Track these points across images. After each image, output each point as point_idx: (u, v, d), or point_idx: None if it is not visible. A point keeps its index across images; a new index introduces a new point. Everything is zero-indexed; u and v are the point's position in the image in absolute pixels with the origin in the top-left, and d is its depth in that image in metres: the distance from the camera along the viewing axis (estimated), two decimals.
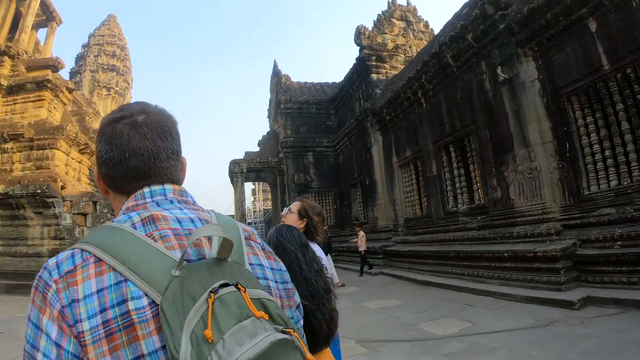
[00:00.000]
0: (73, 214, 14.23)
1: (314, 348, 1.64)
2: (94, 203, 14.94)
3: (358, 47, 16.01)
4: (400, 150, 13.92)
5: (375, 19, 17.33)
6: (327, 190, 19.85)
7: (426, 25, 18.14)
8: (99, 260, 0.70)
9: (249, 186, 44.51)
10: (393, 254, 13.33)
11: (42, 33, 23.35)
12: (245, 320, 0.63)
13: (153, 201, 0.85)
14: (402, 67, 15.49)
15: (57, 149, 15.04)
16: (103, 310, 0.65)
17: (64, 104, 18.58)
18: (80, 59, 41.78)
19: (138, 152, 0.85)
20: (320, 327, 1.68)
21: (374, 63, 15.89)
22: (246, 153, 22.41)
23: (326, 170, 19.90)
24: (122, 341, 0.64)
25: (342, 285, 11.50)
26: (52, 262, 0.72)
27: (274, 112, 23.37)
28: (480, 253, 8.83)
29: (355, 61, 16.85)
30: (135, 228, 0.76)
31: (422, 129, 12.45)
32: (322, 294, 1.76)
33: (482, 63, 9.55)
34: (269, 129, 25.23)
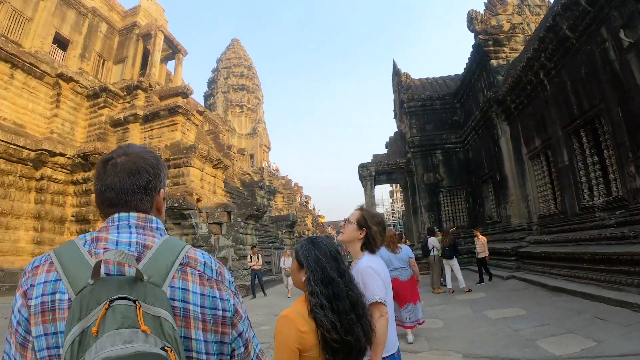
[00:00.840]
0: (209, 223, 15.98)
1: None
2: (228, 213, 16.64)
3: (473, 34, 15.54)
4: (529, 140, 13.16)
5: (486, 1, 16.62)
6: (458, 189, 19.40)
7: None
8: (52, 262, 1.02)
9: (386, 188, 44.79)
10: (526, 255, 12.61)
11: (171, 65, 26.55)
12: (126, 329, 0.84)
13: (115, 225, 1.12)
14: (522, 47, 14.62)
15: (191, 166, 17.09)
16: (43, 295, 0.98)
17: (196, 125, 20.72)
18: (211, 82, 46.61)
19: (110, 187, 1.15)
20: (354, 342, 1.78)
21: (491, 48, 15.23)
22: (374, 156, 22.82)
23: (456, 168, 19.48)
24: (48, 318, 0.97)
25: (468, 291, 11.31)
26: (33, 260, 1.09)
27: (399, 112, 23.57)
28: (617, 255, 7.88)
29: (472, 49, 16.36)
30: (84, 244, 1.06)
31: (549, 114, 11.66)
32: (348, 308, 1.83)
33: (601, 29, 8.71)
34: (396, 130, 25.47)
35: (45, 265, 1.03)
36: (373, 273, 2.51)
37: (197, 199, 16.05)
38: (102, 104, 19.67)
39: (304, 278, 1.91)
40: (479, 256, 12.69)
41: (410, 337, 6.98)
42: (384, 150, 24.17)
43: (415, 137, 19.78)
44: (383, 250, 7.20)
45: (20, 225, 15.53)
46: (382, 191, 48.08)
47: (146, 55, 23.23)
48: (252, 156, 42.12)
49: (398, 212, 48.71)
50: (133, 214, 1.14)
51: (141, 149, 1.25)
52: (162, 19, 25.79)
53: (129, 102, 20.23)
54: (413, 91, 20.48)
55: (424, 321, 7.50)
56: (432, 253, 12.37)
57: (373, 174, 21.39)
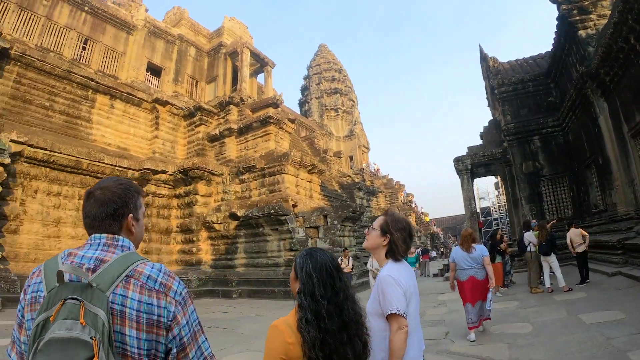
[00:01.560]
0: (306, 227, 17.05)
1: None
2: (325, 216, 17.58)
3: (555, 5, 14.95)
4: (629, 116, 12.36)
5: None
6: (560, 177, 18.57)
7: None
8: (41, 270, 1.49)
9: (491, 180, 43.18)
10: (633, 248, 11.52)
11: (262, 77, 28.42)
12: (70, 320, 1.26)
13: (89, 243, 1.56)
14: (609, 12, 13.62)
15: (285, 174, 18.29)
16: (32, 292, 1.46)
17: (289, 132, 21.96)
18: (304, 90, 48.53)
19: (88, 215, 1.60)
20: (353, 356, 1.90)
21: (577, 18, 14.47)
22: (469, 148, 22.49)
23: (556, 154, 18.68)
24: (34, 308, 1.41)
25: (568, 290, 10.84)
26: (34, 269, 1.54)
27: (491, 99, 23.10)
28: None
29: (556, 22, 15.75)
30: (62, 258, 1.50)
31: None
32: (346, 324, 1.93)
33: None
34: (490, 119, 24.92)
35: (37, 272, 1.51)
36: (392, 282, 2.48)
37: (293, 205, 17.05)
38: (198, 122, 21.93)
39: (297, 289, 2.01)
40: (579, 250, 11.88)
41: (472, 336, 7.30)
42: (479, 141, 23.72)
43: (509, 124, 19.25)
44: (457, 249, 7.78)
45: None
46: (487, 183, 46.15)
47: (236, 72, 25.19)
48: (351, 158, 43.06)
49: (505, 205, 46.89)
50: (103, 235, 1.56)
51: (113, 182, 1.66)
52: (246, 35, 27.82)
53: (223, 118, 22.20)
54: (502, 75, 19.95)
55: (489, 318, 7.80)
56: (528, 249, 11.98)
57: (469, 167, 21.15)
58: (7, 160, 13.51)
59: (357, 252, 19.36)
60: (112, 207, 1.58)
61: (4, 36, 16.27)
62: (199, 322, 1.57)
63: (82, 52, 20.77)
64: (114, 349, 1.31)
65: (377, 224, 2.74)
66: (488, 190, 46.59)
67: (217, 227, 18.14)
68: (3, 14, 18.13)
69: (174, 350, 1.45)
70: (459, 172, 21.22)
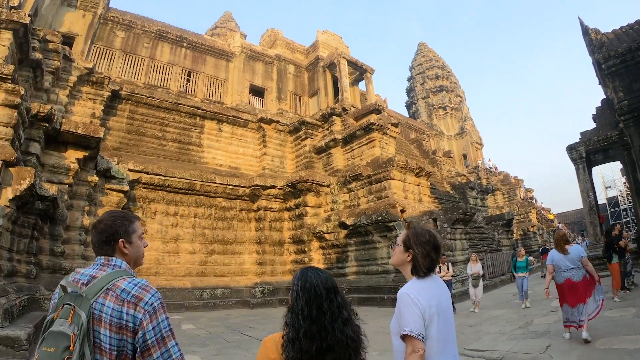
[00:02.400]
0: None
1: None
2: (434, 220, 17.19)
3: None
4: None
5: None
6: None
7: None
8: (59, 284, 1.91)
9: (617, 166, 38.28)
10: None
11: (363, 84, 28.48)
12: (62, 319, 1.71)
13: (94, 263, 2.01)
14: None
15: (391, 179, 18.10)
16: (52, 300, 1.90)
17: (394, 137, 21.78)
18: (409, 91, 48.10)
19: (92, 242, 2.08)
20: None
21: None
22: (582, 134, 20.37)
23: None
24: (54, 310, 1.79)
25: None
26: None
27: (600, 76, 20.88)
28: None
29: None
30: (71, 275, 1.95)
31: None
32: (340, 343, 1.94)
33: None
34: (603, 97, 22.62)
35: (58, 287, 1.92)
36: (409, 301, 2.34)
37: (400, 210, 16.77)
38: (303, 136, 22.65)
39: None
40: None
41: (584, 334, 6.92)
42: (593, 125, 21.56)
43: (622, 101, 16.73)
44: (554, 252, 7.58)
45: (244, 250, 18.97)
46: (613, 170, 40.85)
47: (336, 83, 25.61)
48: (465, 156, 41.74)
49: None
50: (102, 257, 2.03)
51: (108, 215, 2.13)
52: (341, 46, 28.22)
53: (327, 129, 22.62)
54: (607, 48, 17.80)
55: (594, 316, 7.24)
56: None
57: (584, 155, 19.01)
58: (126, 188, 15.56)
59: (470, 254, 18.69)
60: (104, 235, 2.04)
61: (113, 80, 18.30)
62: (170, 329, 1.88)
63: (187, 83, 22.70)
64: (91, 342, 1.74)
65: (400, 239, 2.63)
66: (614, 178, 41.36)
67: (327, 236, 18.39)
68: (110, 61, 20.59)
69: (139, 350, 1.80)
70: (573, 161, 19.34)
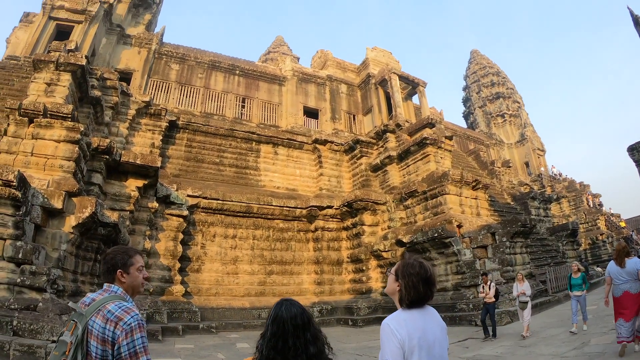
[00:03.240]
0: (473, 248, 16.31)
1: None
2: (492, 234, 16.63)
3: None
4: None
5: None
6: None
7: None
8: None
9: None
10: None
11: (417, 98, 28.55)
12: (67, 331, 2.30)
13: (101, 289, 2.50)
14: None
15: (447, 194, 17.98)
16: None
17: (449, 150, 21.59)
18: (466, 101, 47.63)
19: (101, 271, 2.63)
20: None
21: None
22: None
23: None
24: (71, 326, 2.34)
25: None
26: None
27: None
28: None
29: None
30: (83, 298, 2.49)
31: None
32: None
33: None
34: None
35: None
36: (388, 332, 2.34)
37: (457, 225, 16.68)
38: (359, 155, 22.83)
39: None
40: None
41: (637, 347, 7.09)
42: None
43: None
44: (611, 263, 7.65)
45: (303, 270, 19.27)
46: None
47: (389, 99, 25.78)
48: (527, 164, 40.75)
49: None
50: (105, 284, 2.50)
51: (112, 250, 2.61)
52: (392, 61, 28.41)
53: (382, 147, 22.76)
54: None
55: None
56: None
57: None
58: (185, 213, 16.46)
59: (532, 269, 18.22)
60: (106, 266, 2.53)
61: (170, 110, 19.44)
62: (144, 346, 2.30)
63: (241, 110, 23.69)
64: (84, 350, 2.24)
65: (393, 268, 2.61)
66: None
67: (384, 255, 18.29)
68: (167, 92, 22.04)
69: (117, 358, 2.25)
70: (636, 162, 18.64)
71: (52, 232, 10.38)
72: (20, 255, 9.05)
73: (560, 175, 42.02)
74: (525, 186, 32.39)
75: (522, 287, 11.95)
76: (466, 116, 48.21)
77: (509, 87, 45.07)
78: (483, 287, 12.49)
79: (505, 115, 43.12)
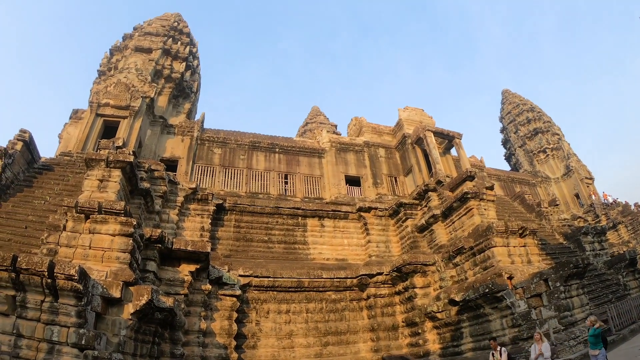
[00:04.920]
0: (527, 298, 16.12)
1: None
2: (545, 281, 16.43)
3: None
4: None
5: None
6: None
7: None
8: None
9: None
10: None
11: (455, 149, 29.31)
12: None
13: None
14: None
15: (493, 247, 18.04)
16: None
17: (492, 200, 21.63)
18: (505, 143, 48.28)
19: None
20: None
21: None
22: None
23: None
24: None
25: None
26: None
27: None
28: None
29: None
30: None
31: None
32: None
33: None
34: None
35: None
36: None
37: (508, 277, 16.56)
38: (403, 218, 23.32)
39: None
40: None
41: None
42: None
43: None
44: None
45: (358, 339, 19.30)
46: None
47: (427, 156, 26.57)
48: (577, 195, 40.18)
49: None
50: None
51: None
52: (425, 118, 29.39)
53: (425, 206, 23.08)
54: None
55: None
56: None
57: None
58: (238, 292, 17.23)
59: (592, 309, 18.05)
60: None
61: (217, 194, 20.68)
62: None
63: (285, 185, 24.98)
64: None
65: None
66: None
67: (439, 315, 18.29)
68: (212, 176, 23.77)
69: None
70: None
71: (112, 319, 11.26)
72: (83, 342, 9.83)
73: (615, 201, 41.12)
74: (579, 219, 31.97)
75: (541, 348, 11.18)
76: (508, 158, 48.28)
77: (546, 121, 45.06)
78: (493, 354, 11.91)
79: (547, 150, 42.98)
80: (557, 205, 33.87)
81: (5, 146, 17.66)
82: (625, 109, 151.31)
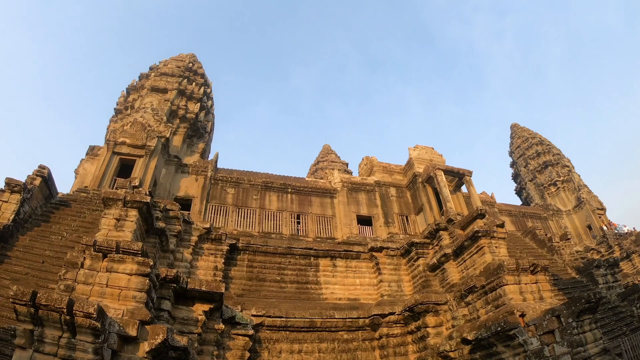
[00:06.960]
0: (539, 335, 16.16)
1: None
2: (557, 317, 16.51)
3: None
4: None
5: None
6: None
7: None
8: None
9: None
10: None
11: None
12: None
13: None
14: None
15: (504, 285, 18.13)
16: None
17: (503, 238, 21.62)
18: (515, 177, 48.68)
19: None
20: None
21: None
22: None
23: None
24: None
25: None
26: None
27: None
28: None
29: None
30: None
31: None
32: None
33: None
34: None
35: None
36: None
37: (520, 315, 16.56)
38: (415, 257, 23.48)
39: None
40: None
41: None
42: None
43: None
44: None
45: None
46: None
47: (438, 194, 26.90)
48: (589, 227, 40.49)
49: None
50: None
51: None
52: (435, 156, 29.92)
53: (437, 245, 23.32)
54: None
55: None
56: None
57: None
58: (251, 332, 17.45)
59: (606, 343, 18.02)
60: None
61: (230, 233, 21.09)
62: None
63: (297, 226, 25.36)
64: None
65: None
66: None
67: (451, 355, 18.25)
68: (225, 215, 24.23)
69: None
70: None
71: (127, 356, 11.43)
72: None
73: (632, 231, 40.93)
74: (592, 251, 31.88)
75: None
76: (519, 192, 48.52)
77: (555, 153, 45.50)
78: None
79: (557, 182, 43.24)
80: (569, 239, 33.95)
81: (24, 181, 18.32)
82: (635, 134, 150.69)
